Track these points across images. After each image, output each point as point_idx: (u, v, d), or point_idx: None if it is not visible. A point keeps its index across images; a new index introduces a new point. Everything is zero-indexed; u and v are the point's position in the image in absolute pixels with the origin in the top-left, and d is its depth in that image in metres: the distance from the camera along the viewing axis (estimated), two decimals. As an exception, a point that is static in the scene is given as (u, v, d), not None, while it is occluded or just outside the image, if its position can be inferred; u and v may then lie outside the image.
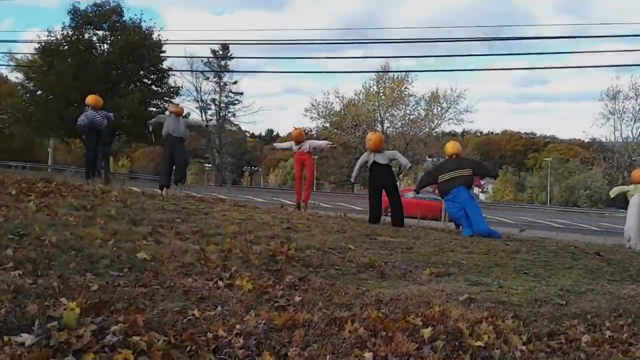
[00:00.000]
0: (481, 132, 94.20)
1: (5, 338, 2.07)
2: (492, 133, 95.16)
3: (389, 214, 9.57)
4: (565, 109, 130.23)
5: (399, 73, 41.51)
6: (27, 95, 28.12)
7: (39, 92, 27.34)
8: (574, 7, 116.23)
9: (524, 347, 2.61)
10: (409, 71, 42.03)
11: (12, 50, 56.44)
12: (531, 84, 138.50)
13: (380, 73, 40.55)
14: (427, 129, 42.27)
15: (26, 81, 29.34)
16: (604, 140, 45.78)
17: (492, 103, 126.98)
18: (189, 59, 42.04)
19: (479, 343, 2.56)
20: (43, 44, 26.45)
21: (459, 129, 55.02)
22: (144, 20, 28.29)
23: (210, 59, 49.42)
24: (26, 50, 50.04)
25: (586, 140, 52.69)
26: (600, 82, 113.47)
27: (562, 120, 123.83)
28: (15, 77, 39.87)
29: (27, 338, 2.09)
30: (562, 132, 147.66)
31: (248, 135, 74.18)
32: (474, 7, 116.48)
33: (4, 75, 46.15)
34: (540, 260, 5.71)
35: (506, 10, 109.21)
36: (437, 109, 42.08)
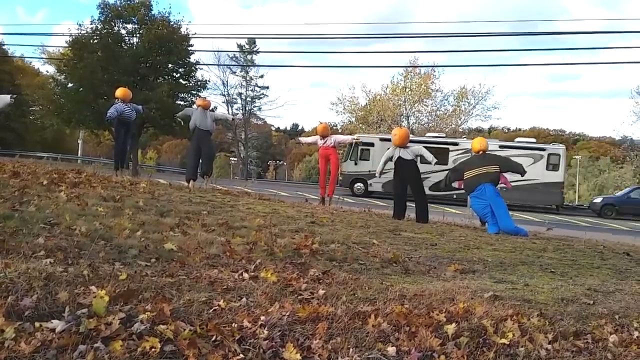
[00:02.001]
0: (509, 129, 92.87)
1: (37, 324, 2.13)
2: (519, 129, 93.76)
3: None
4: (597, 106, 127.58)
5: (427, 68, 41.14)
6: (58, 87, 28.64)
7: (69, 85, 27.81)
8: (609, 1, 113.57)
9: (549, 346, 2.58)
10: (436, 66, 41.43)
11: (45, 43, 57.69)
12: (562, 79, 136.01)
13: (408, 68, 40.24)
14: (453, 125, 41.83)
15: (57, 74, 29.89)
16: (635, 138, 44.73)
17: (520, 99, 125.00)
18: (216, 52, 42.33)
19: (503, 341, 2.54)
20: (74, 37, 26.89)
21: (486, 126, 54.24)
22: (173, 14, 28.58)
23: (237, 53, 49.68)
24: (58, 43, 51.10)
25: (617, 138, 51.58)
26: (635, 78, 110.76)
27: (593, 117, 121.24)
28: (47, 70, 40.80)
29: (57, 324, 2.15)
30: (592, 129, 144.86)
31: (273, 129, 74.32)
32: (506, 1, 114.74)
33: (36, 68, 47.25)
34: (568, 259, 5.63)
35: (538, 3, 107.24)
36: (464, 105, 41.62)
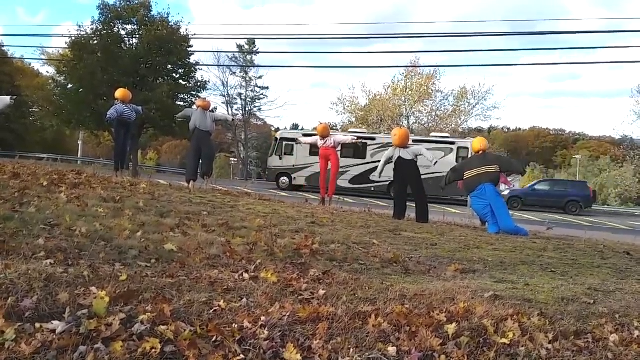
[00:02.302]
0: (509, 128, 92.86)
1: (37, 325, 2.13)
2: (519, 129, 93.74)
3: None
4: (597, 105, 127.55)
5: (428, 68, 41.16)
6: (58, 88, 28.62)
7: (69, 86, 27.80)
8: (608, 1, 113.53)
9: (549, 346, 2.58)
10: (436, 66, 41.49)
11: (44, 44, 57.70)
12: (562, 79, 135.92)
13: (409, 68, 40.25)
14: (453, 125, 41.85)
15: (57, 75, 29.88)
16: (635, 137, 44.78)
17: (520, 98, 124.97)
18: (215, 53, 42.35)
19: (503, 340, 2.54)
20: (73, 38, 26.90)
21: (485, 125, 54.28)
22: (172, 15, 28.58)
23: (237, 54, 49.67)
24: (58, 44, 51.11)
25: (617, 138, 51.61)
26: (634, 77, 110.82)
27: (593, 117, 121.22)
28: (47, 71, 40.81)
29: (58, 325, 2.15)
30: (592, 128, 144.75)
31: (273, 129, 74.32)
32: (505, 1, 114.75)
33: (36, 69, 47.27)
34: (568, 258, 5.63)
35: (538, 3, 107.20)
36: (464, 105, 41.65)
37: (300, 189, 25.44)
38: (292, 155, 26.86)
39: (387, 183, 23.67)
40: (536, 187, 27.80)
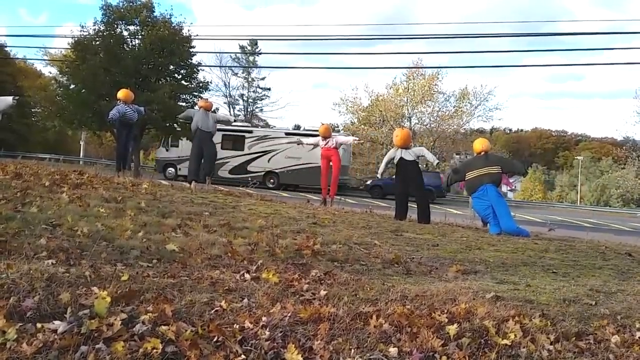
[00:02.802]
0: (510, 129, 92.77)
1: (39, 325, 2.14)
2: (521, 130, 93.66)
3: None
4: (599, 107, 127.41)
5: (431, 69, 41.14)
6: (61, 89, 28.62)
7: (71, 86, 27.81)
8: (611, 2, 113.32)
9: (551, 347, 2.58)
10: (438, 67, 41.48)
11: (47, 45, 57.78)
12: (564, 80, 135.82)
13: (411, 69, 40.24)
14: (455, 126, 41.83)
15: (59, 75, 29.89)
16: (637, 139, 44.72)
17: (522, 99, 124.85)
18: (218, 54, 42.40)
19: (505, 341, 2.54)
20: (76, 39, 26.92)
21: (487, 126, 54.30)
22: (175, 16, 28.60)
23: (239, 55, 49.71)
24: (60, 45, 51.16)
25: (619, 139, 51.55)
26: (637, 79, 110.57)
27: (595, 118, 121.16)
28: (49, 71, 40.85)
29: (59, 325, 2.15)
30: (594, 130, 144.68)
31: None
32: (508, 2, 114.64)
33: (39, 70, 47.33)
34: (570, 259, 5.62)
35: (541, 4, 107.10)
36: (466, 106, 41.62)
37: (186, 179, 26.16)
38: (178, 147, 28.43)
39: (263, 174, 26.98)
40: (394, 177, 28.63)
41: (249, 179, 24.38)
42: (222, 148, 26.26)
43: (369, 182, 31.31)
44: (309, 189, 20.44)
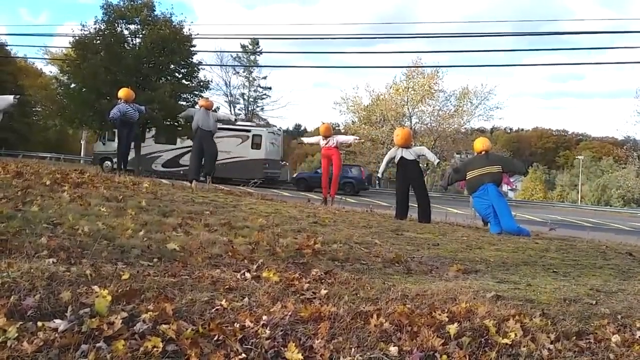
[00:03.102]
0: (511, 129, 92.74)
1: (39, 323, 2.14)
2: (522, 130, 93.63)
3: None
4: (600, 106, 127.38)
5: (430, 68, 41.07)
6: (61, 88, 28.60)
7: (72, 85, 27.81)
8: (612, 1, 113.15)
9: (551, 346, 2.58)
10: (439, 66, 41.38)
11: (48, 44, 57.79)
12: (565, 79, 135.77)
13: (411, 68, 40.17)
14: (456, 125, 41.78)
15: (60, 74, 29.89)
16: (638, 138, 44.65)
17: (522, 99, 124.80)
18: (218, 53, 42.36)
19: (505, 340, 2.54)
20: (77, 38, 26.91)
21: (488, 126, 54.26)
22: (175, 15, 28.59)
23: (240, 54, 49.68)
24: (61, 44, 51.16)
25: (620, 138, 51.49)
26: (638, 78, 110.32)
27: (596, 118, 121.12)
28: (50, 70, 40.86)
29: (60, 324, 2.15)
30: (595, 129, 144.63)
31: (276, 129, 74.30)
32: (509, 1, 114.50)
33: (39, 69, 47.34)
34: (570, 259, 5.62)
35: (542, 3, 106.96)
36: (467, 105, 41.56)
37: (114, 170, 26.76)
38: (114, 140, 28.03)
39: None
40: (319, 170, 29.54)
41: (181, 172, 24.90)
42: (155, 142, 27.41)
43: (294, 175, 33.25)
44: (239, 181, 20.71)
